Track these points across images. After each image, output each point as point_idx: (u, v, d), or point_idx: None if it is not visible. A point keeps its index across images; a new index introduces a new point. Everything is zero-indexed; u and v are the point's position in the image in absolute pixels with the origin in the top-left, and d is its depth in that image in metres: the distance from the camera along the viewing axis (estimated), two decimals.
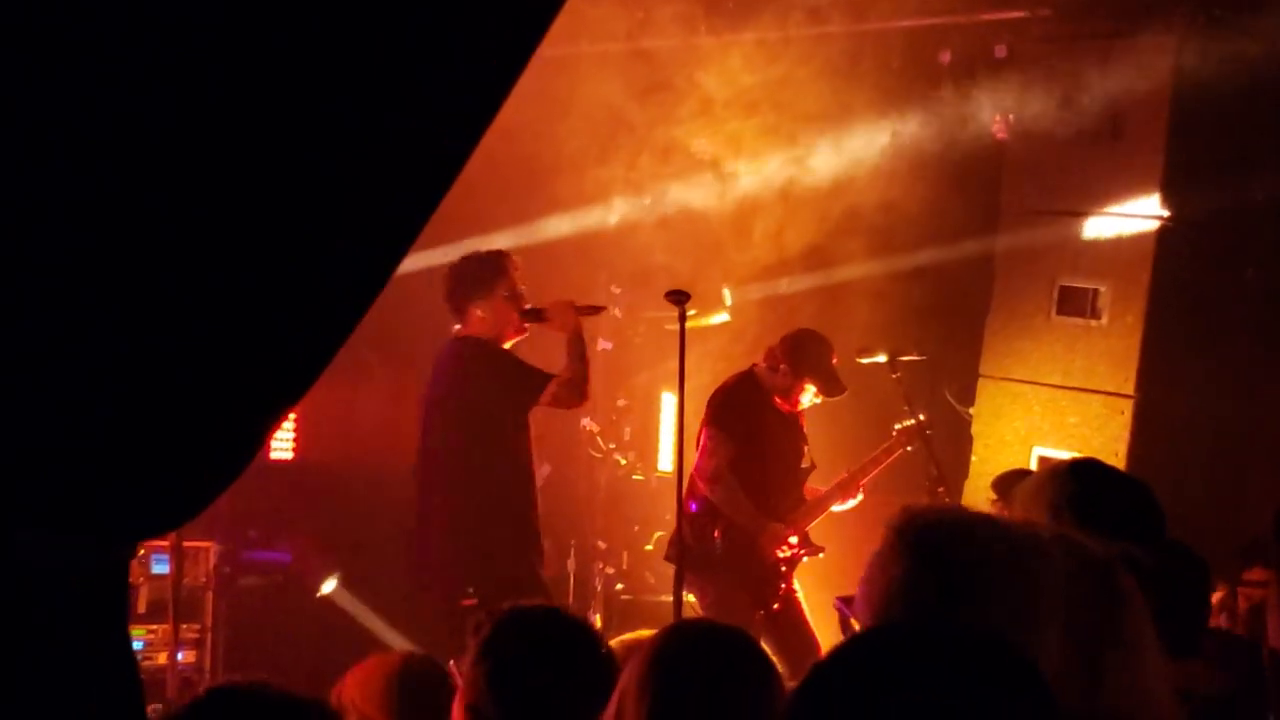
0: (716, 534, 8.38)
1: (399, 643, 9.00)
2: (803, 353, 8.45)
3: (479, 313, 8.04)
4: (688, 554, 7.90)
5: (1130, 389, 8.37)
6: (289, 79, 1.55)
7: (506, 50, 1.64)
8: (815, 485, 8.70)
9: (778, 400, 8.50)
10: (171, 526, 1.74)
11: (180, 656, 8.24)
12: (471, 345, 8.04)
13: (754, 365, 8.64)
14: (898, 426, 8.57)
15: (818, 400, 8.55)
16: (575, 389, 8.07)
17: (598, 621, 9.94)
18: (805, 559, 8.53)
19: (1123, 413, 8.38)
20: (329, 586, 9.73)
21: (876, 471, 8.57)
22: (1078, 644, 2.22)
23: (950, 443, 9.07)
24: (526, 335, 8.20)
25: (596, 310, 8.41)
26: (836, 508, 8.58)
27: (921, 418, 8.51)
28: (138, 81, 1.52)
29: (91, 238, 1.57)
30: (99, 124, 1.56)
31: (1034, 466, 8.29)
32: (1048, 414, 8.73)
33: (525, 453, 8.14)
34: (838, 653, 1.86)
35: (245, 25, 1.50)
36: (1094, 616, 2.28)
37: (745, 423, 8.39)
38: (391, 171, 1.66)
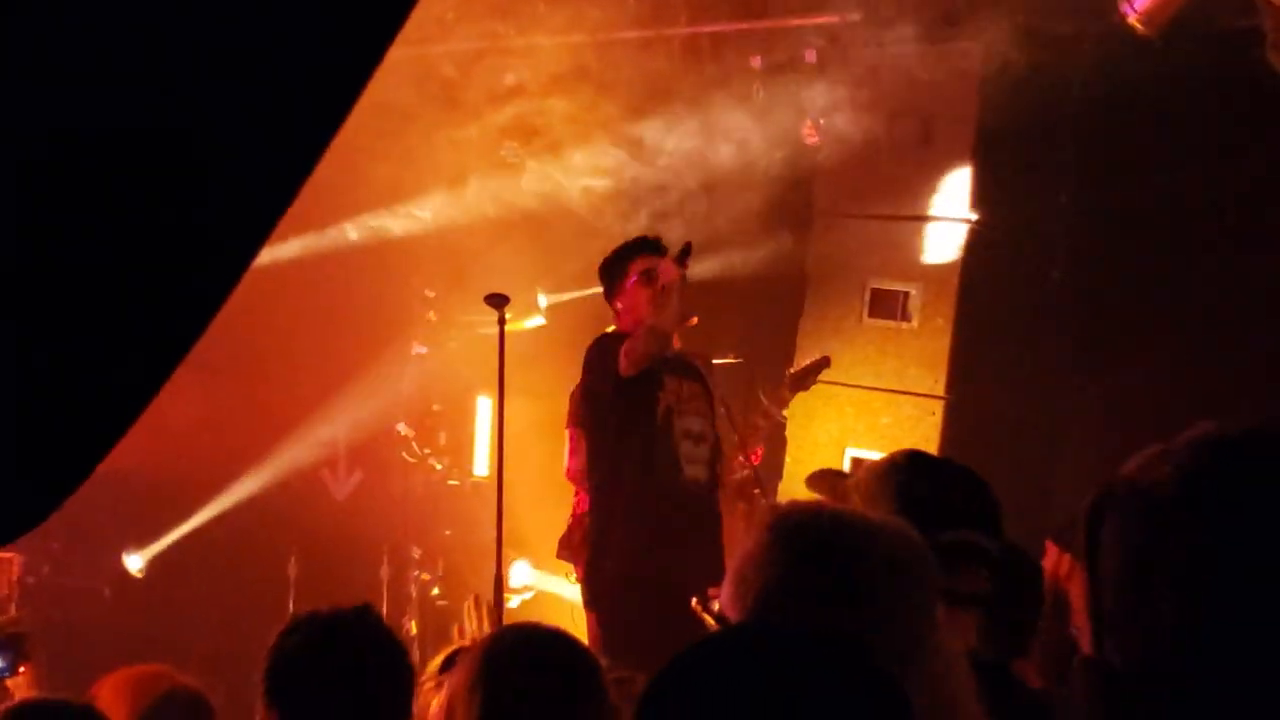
0: None
1: (206, 650, 8.86)
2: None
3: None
4: (578, 552, 7.79)
5: (940, 390, 8.50)
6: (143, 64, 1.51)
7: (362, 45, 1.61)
8: None
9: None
10: (9, 539, 1.68)
11: None
12: None
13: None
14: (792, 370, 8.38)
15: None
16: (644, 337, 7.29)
17: (413, 628, 9.85)
18: None
19: (934, 413, 8.51)
20: (134, 563, 9.62)
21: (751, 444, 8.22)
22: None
23: (765, 445, 9.12)
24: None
25: (685, 254, 7.44)
26: None
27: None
28: None
29: None
30: None
31: (847, 468, 8.37)
32: (860, 415, 8.82)
33: None
34: (688, 653, 1.83)
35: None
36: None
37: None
38: (248, 162, 1.62)
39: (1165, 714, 1.61)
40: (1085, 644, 1.72)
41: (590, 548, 7.58)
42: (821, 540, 2.26)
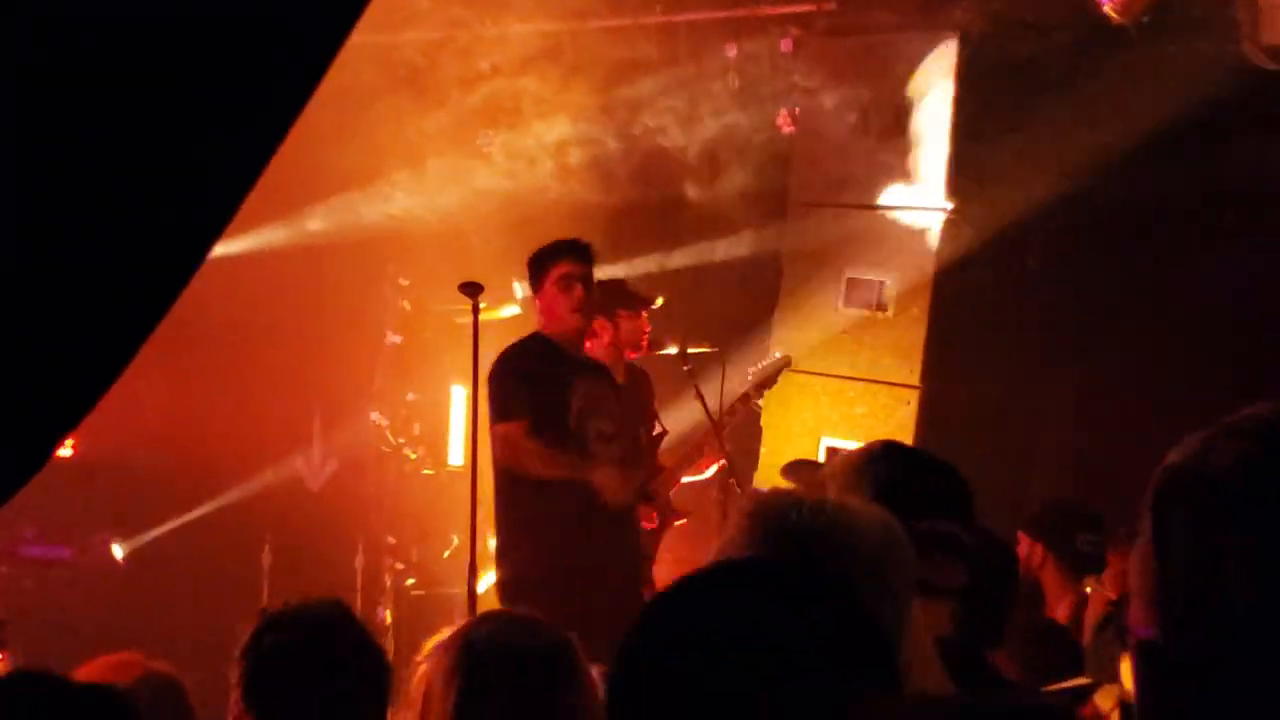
0: None
1: (181, 638, 8.84)
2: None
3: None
4: None
5: (916, 379, 8.50)
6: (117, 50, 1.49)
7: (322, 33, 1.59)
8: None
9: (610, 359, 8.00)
10: None
11: None
12: None
13: None
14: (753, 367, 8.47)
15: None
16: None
17: (388, 618, 9.82)
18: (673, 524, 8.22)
19: (909, 403, 8.51)
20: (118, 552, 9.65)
21: (724, 436, 8.31)
22: None
23: (739, 434, 9.11)
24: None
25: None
26: (689, 478, 8.39)
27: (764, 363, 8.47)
28: None
29: None
30: None
31: (822, 457, 8.36)
32: (836, 405, 8.82)
33: None
34: (669, 592, 1.84)
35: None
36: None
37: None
38: (206, 153, 1.60)
39: (1237, 701, 1.61)
40: (1147, 632, 1.70)
41: (504, 552, 7.51)
42: (800, 527, 2.26)
